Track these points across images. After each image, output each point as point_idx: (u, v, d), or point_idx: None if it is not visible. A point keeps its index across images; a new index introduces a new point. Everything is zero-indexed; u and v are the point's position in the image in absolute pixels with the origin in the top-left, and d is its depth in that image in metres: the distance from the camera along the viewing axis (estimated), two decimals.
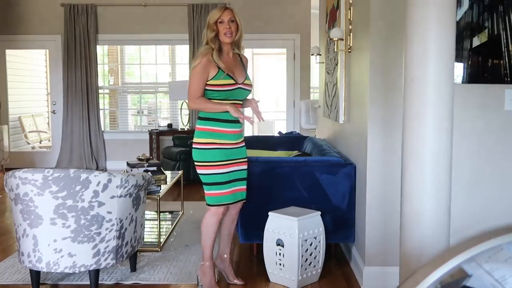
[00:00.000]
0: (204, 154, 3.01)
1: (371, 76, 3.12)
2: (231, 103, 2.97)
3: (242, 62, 3.15)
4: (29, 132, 9.15)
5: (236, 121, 3.02)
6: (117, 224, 3.02)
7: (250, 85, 3.12)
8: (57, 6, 8.02)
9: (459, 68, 2.90)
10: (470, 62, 2.94)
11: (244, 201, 3.23)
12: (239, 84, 3.02)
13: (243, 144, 3.17)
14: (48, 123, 9.66)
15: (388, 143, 3.13)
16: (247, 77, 3.11)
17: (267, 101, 11.11)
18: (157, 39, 8.25)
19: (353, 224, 3.55)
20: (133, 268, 3.51)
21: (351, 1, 3.62)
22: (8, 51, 8.34)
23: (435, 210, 2.12)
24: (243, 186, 3.18)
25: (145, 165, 4.42)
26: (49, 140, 9.31)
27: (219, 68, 2.96)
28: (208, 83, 2.96)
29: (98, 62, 8.24)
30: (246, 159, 3.18)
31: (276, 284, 3.29)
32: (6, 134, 7.92)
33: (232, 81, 2.98)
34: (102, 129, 8.36)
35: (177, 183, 4.98)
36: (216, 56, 2.97)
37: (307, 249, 3.21)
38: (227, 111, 2.94)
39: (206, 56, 2.97)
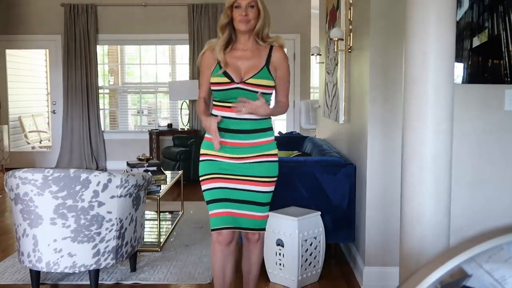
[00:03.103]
0: (199, 167, 2.59)
1: (371, 76, 3.12)
2: (212, 120, 2.43)
3: (269, 56, 2.51)
4: (29, 132, 9.14)
5: (238, 131, 2.49)
6: (117, 224, 3.02)
7: (259, 85, 2.46)
8: (57, 6, 8.02)
9: (459, 68, 2.89)
10: (470, 62, 2.93)
11: (259, 231, 2.63)
12: (238, 83, 2.45)
13: (259, 159, 2.51)
14: (48, 123, 9.66)
15: (388, 143, 3.13)
16: (257, 75, 2.46)
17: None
18: (157, 39, 8.25)
19: (353, 224, 3.55)
20: (133, 268, 3.51)
21: (351, 1, 3.62)
22: (8, 51, 8.34)
23: (435, 210, 2.12)
24: (250, 212, 2.54)
25: (145, 165, 4.42)
26: (49, 140, 9.31)
27: (218, 61, 2.50)
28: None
29: (98, 62, 8.24)
30: (262, 179, 2.52)
31: (276, 284, 3.29)
32: (6, 134, 7.92)
33: (225, 80, 2.46)
34: (102, 129, 8.36)
35: (177, 183, 4.98)
36: (219, 47, 2.49)
37: (307, 249, 3.21)
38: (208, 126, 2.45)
39: (211, 47, 2.55)
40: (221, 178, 2.51)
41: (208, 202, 2.53)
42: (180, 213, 5.11)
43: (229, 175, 2.51)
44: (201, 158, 2.56)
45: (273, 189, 2.59)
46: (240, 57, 2.51)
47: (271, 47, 2.53)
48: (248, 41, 2.52)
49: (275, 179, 2.58)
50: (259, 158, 2.52)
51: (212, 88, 2.50)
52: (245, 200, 2.53)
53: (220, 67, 2.48)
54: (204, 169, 2.55)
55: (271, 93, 2.54)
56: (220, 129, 2.45)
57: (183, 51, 8.70)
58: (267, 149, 2.54)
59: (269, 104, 2.53)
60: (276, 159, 2.58)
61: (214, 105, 2.55)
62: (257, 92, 2.44)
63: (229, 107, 2.47)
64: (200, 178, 2.56)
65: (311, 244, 3.24)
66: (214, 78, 2.48)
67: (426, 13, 2.08)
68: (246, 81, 2.46)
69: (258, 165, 2.52)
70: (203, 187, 2.54)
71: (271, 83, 2.49)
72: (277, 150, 2.59)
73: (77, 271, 3.00)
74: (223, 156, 2.50)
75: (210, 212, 2.53)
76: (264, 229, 2.65)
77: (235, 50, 2.53)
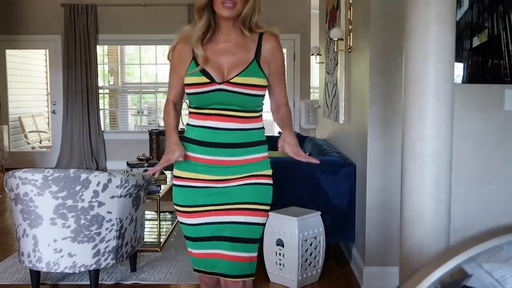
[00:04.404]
0: (173, 191, 2.06)
1: (371, 76, 3.12)
2: (174, 140, 2.03)
3: (259, 47, 1.97)
4: (29, 132, 9.14)
5: (220, 145, 1.93)
6: (117, 224, 3.02)
7: (247, 85, 1.90)
8: (57, 6, 8.02)
9: (459, 68, 2.90)
10: (470, 62, 2.93)
11: (243, 278, 1.96)
12: (220, 83, 1.90)
13: (247, 181, 1.96)
14: (48, 123, 9.66)
15: (388, 143, 3.13)
16: (245, 72, 1.91)
17: (267, 101, 11.10)
18: (157, 39, 8.24)
19: (353, 224, 3.55)
20: (133, 268, 3.51)
21: (351, 1, 3.62)
22: (8, 51, 8.35)
23: (435, 210, 2.12)
24: (233, 252, 1.94)
25: (145, 165, 4.42)
26: (49, 140, 9.31)
27: (193, 57, 1.95)
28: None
29: (98, 62, 8.24)
30: (251, 206, 1.95)
31: (276, 284, 3.29)
32: (6, 134, 7.92)
33: (204, 80, 1.90)
34: (102, 129, 8.36)
35: None
36: (196, 37, 1.93)
37: (307, 249, 3.21)
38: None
39: (184, 38, 1.99)
40: (201, 212, 1.97)
41: (186, 238, 2.05)
42: None
43: (210, 206, 1.97)
44: (175, 182, 2.03)
45: (265, 222, 2.00)
46: (223, 50, 1.95)
47: (261, 36, 1.99)
48: (232, 30, 1.96)
49: (268, 207, 1.99)
50: (247, 180, 1.95)
51: (187, 91, 1.95)
52: (229, 237, 1.94)
53: (197, 64, 1.93)
54: (180, 198, 2.01)
55: (263, 95, 1.98)
56: (196, 142, 1.97)
57: None
58: (259, 169, 1.98)
59: (261, 110, 2.02)
60: (271, 182, 2.00)
61: (191, 112, 2.00)
62: (244, 93, 1.90)
63: (209, 114, 1.93)
64: (175, 207, 2.03)
65: (311, 244, 3.24)
66: (189, 78, 1.93)
67: (426, 13, 2.08)
68: (231, 81, 1.90)
69: (246, 188, 1.95)
70: (179, 219, 2.04)
71: (262, 81, 1.93)
72: (271, 171, 2.04)
73: (77, 271, 3.00)
74: (202, 180, 1.96)
75: (189, 250, 2.06)
76: (252, 275, 1.98)
77: (215, 42, 1.97)
